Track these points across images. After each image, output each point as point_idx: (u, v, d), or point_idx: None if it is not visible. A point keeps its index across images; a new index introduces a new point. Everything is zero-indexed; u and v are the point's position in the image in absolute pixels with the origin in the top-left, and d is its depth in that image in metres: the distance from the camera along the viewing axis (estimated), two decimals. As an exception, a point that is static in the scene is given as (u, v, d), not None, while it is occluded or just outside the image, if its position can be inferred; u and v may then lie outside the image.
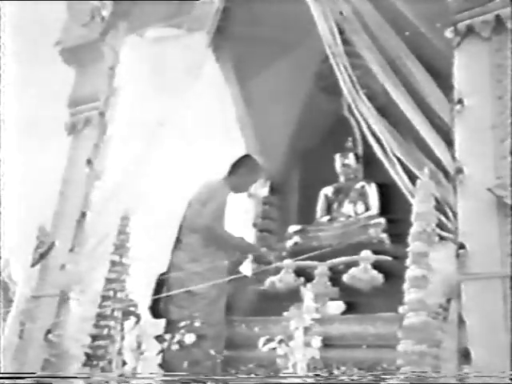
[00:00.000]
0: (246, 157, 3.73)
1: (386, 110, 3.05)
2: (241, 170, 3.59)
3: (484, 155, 2.44)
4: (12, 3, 3.69)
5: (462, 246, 2.38)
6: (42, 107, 4.09)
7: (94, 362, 2.98)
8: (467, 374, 2.18)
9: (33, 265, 3.38)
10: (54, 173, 3.72)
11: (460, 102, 2.53)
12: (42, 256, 3.36)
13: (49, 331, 3.16)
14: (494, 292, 2.27)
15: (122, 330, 3.11)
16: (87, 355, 3.03)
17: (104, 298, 3.15)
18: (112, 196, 3.50)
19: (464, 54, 2.60)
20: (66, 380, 2.93)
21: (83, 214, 3.46)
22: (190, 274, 3.24)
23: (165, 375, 2.92)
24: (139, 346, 3.20)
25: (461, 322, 2.29)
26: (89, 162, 3.59)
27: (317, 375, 2.68)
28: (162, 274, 3.39)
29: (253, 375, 2.90)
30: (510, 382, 2.08)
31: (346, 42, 3.23)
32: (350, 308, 3.18)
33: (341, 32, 3.25)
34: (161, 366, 3.13)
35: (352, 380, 2.60)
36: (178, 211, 3.53)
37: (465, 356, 2.23)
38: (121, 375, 2.90)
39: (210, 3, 3.78)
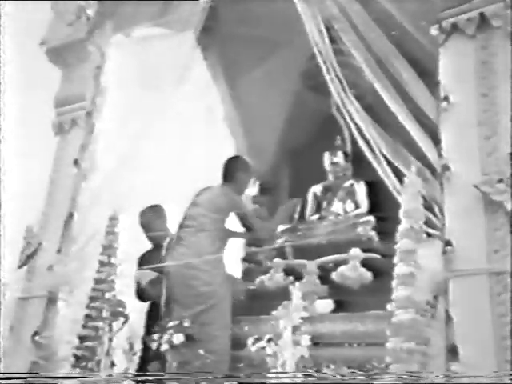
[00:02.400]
0: (237, 158, 3.72)
1: (374, 109, 3.05)
2: (238, 174, 3.57)
3: (470, 152, 2.45)
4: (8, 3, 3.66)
5: (448, 243, 2.38)
6: (29, 107, 4.05)
7: (83, 364, 2.97)
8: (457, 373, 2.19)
9: (20, 266, 3.35)
10: (41, 173, 3.69)
11: (446, 99, 2.53)
12: (29, 257, 3.33)
13: (36, 333, 3.13)
14: (480, 289, 2.28)
15: (111, 330, 3.10)
16: (75, 356, 3.02)
17: (92, 298, 3.14)
18: (99, 196, 3.48)
19: (449, 52, 2.61)
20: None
21: (71, 215, 3.43)
22: (196, 271, 3.21)
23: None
24: (131, 347, 3.19)
25: (448, 318, 2.30)
26: (76, 162, 3.56)
27: (307, 375, 2.68)
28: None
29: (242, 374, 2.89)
30: (510, 382, 2.09)
31: (333, 40, 3.23)
32: (339, 306, 3.18)
33: (328, 30, 3.25)
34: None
35: (343, 379, 2.60)
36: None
37: (452, 352, 2.24)
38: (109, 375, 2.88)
39: (197, 2, 3.76)
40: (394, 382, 2.29)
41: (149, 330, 3.27)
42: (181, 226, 3.40)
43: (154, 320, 3.25)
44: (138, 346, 3.31)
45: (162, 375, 2.82)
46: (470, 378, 2.13)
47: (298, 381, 2.63)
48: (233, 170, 3.57)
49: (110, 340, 3.04)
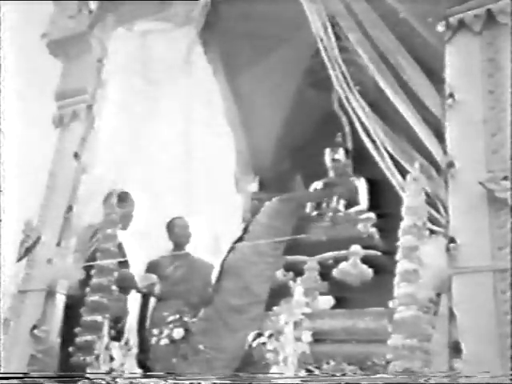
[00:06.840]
0: None
1: (378, 105, 3.03)
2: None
3: (475, 149, 2.44)
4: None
5: (452, 240, 2.38)
6: (29, 100, 4.02)
7: (81, 358, 2.95)
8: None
9: (19, 259, 3.32)
10: (40, 166, 3.67)
11: (451, 96, 2.52)
12: (28, 250, 3.31)
13: (35, 326, 3.11)
14: (484, 286, 2.27)
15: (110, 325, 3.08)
16: (74, 350, 3.00)
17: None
18: (99, 189, 3.46)
19: (455, 49, 2.60)
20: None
21: (70, 208, 3.41)
22: (256, 268, 3.38)
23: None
24: (127, 342, 3.17)
25: (451, 315, 2.29)
26: (76, 155, 3.54)
27: (308, 370, 2.68)
28: None
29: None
30: (509, 382, 2.09)
31: (338, 37, 3.21)
32: (340, 303, 3.18)
33: (333, 27, 3.24)
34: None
35: (343, 375, 2.60)
36: (165, 204, 3.53)
37: (455, 350, 2.23)
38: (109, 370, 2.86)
39: (199, -2, 3.75)
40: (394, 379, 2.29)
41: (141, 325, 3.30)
42: (245, 230, 3.62)
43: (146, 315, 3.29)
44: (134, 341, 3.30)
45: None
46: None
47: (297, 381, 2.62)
48: None
49: (109, 334, 3.02)
